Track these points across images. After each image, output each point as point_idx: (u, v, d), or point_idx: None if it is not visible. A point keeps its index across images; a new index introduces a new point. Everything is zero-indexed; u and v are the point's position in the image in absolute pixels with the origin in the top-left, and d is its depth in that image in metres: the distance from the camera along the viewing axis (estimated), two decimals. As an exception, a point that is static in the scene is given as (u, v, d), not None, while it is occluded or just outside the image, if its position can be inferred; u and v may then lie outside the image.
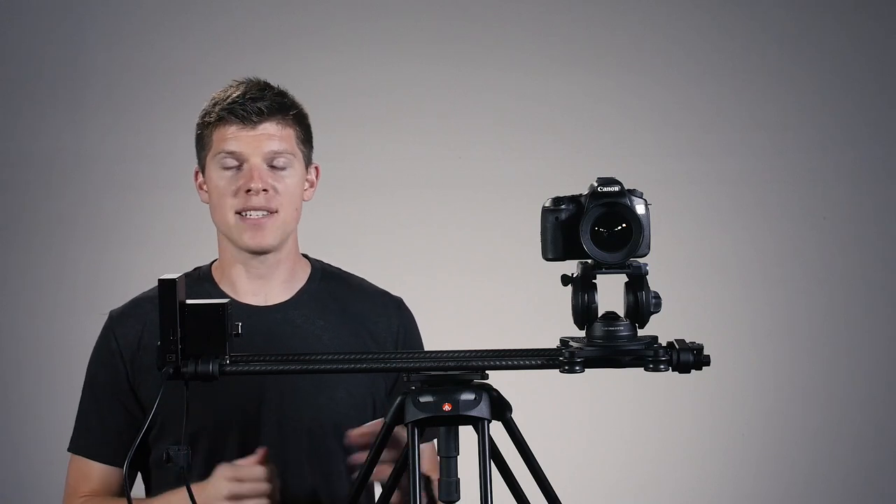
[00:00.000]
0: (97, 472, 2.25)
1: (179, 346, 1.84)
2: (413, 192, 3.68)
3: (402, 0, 3.70)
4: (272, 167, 2.22)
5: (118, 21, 3.64)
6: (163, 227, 3.61)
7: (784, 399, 3.77)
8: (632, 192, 1.81)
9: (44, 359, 3.60)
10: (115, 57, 3.64)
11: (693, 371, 1.83)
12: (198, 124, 2.27)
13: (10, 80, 3.61)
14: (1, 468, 3.61)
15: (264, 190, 2.20)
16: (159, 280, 1.86)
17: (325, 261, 2.39)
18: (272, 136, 2.22)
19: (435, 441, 1.96)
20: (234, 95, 2.23)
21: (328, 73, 3.61)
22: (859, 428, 3.77)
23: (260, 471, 2.08)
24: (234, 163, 2.22)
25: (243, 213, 2.21)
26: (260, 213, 2.21)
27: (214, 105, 2.24)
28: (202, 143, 2.27)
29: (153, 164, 3.62)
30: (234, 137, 2.21)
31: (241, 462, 2.11)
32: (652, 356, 1.81)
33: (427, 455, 2.18)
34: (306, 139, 2.29)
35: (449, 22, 3.71)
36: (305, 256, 2.36)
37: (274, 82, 2.29)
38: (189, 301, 1.87)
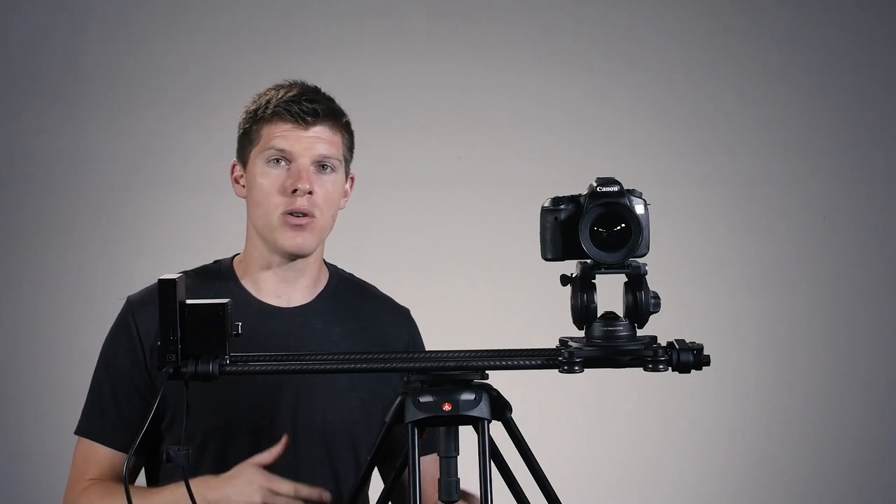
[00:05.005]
0: (105, 456, 2.23)
1: (179, 346, 1.84)
2: (413, 192, 3.68)
3: (402, 0, 3.71)
4: (318, 171, 2.23)
5: (118, 21, 3.64)
6: (163, 227, 3.61)
7: (784, 399, 3.77)
8: (631, 192, 1.81)
9: (42, 359, 3.60)
10: (115, 57, 3.64)
11: (693, 371, 1.83)
12: (245, 118, 2.27)
13: (11, 80, 3.62)
14: None
15: (309, 192, 2.20)
16: (159, 280, 1.86)
17: (337, 265, 2.40)
18: (322, 139, 2.23)
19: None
20: (290, 95, 2.23)
21: (328, 73, 3.56)
22: (860, 428, 3.77)
23: (294, 490, 2.07)
24: (282, 161, 2.22)
25: (287, 215, 2.20)
26: (302, 216, 2.21)
27: (268, 102, 2.24)
28: (249, 137, 2.26)
29: (153, 164, 3.62)
30: (285, 136, 2.21)
31: (264, 458, 2.10)
32: (651, 356, 1.81)
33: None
34: (350, 147, 2.31)
35: (449, 22, 3.71)
36: (323, 261, 2.37)
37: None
38: (189, 301, 1.87)
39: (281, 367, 1.91)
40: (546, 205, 1.84)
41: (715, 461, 3.75)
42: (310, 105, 2.22)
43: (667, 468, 3.75)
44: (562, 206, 1.83)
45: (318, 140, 2.22)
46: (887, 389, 3.78)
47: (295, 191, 2.20)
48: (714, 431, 3.75)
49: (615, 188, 1.80)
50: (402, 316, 2.39)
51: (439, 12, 3.71)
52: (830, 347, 3.77)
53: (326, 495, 2.11)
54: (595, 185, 1.81)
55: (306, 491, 2.09)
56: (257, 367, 1.88)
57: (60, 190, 3.62)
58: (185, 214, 3.57)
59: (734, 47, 3.76)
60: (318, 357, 1.94)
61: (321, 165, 2.23)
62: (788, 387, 3.77)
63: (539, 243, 1.85)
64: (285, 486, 2.07)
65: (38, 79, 3.62)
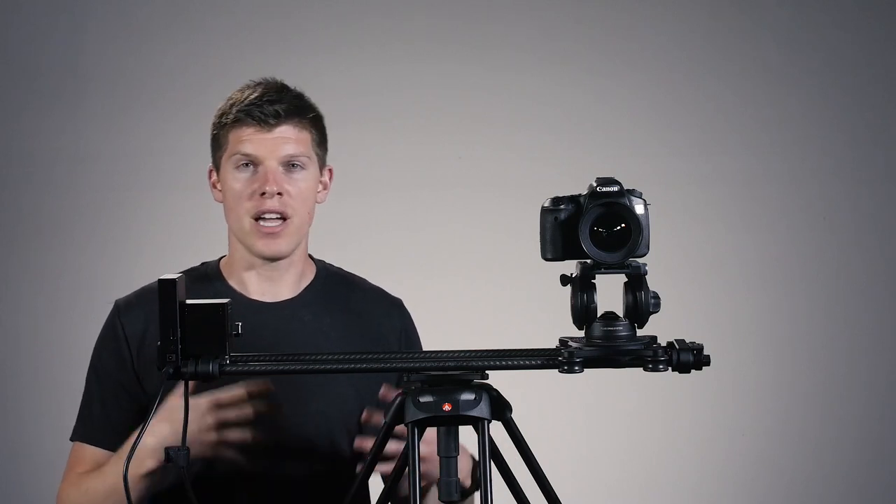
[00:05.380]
0: (93, 455, 2.23)
1: (179, 346, 1.85)
2: (413, 192, 3.68)
3: (402, 0, 3.71)
4: (287, 170, 2.23)
5: (118, 21, 3.64)
6: (163, 227, 3.62)
7: (784, 399, 3.76)
8: (631, 192, 1.81)
9: (42, 359, 3.60)
10: (115, 57, 3.64)
11: (693, 371, 1.83)
12: (214, 124, 2.27)
13: (11, 80, 3.62)
14: None
15: (279, 193, 2.20)
16: (159, 280, 1.86)
17: (325, 260, 2.40)
18: (288, 139, 2.22)
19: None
20: (252, 97, 2.23)
21: (327, 73, 3.60)
22: (860, 427, 3.77)
23: (240, 393, 2.07)
24: (250, 165, 2.22)
25: (258, 219, 2.21)
26: (275, 218, 2.21)
27: (231, 106, 2.24)
28: (218, 143, 2.27)
29: (153, 164, 3.62)
30: (250, 139, 2.21)
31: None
32: (651, 356, 1.81)
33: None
34: (322, 142, 2.30)
35: (449, 22, 3.71)
36: (310, 256, 2.37)
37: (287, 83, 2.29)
38: (189, 301, 1.87)
39: (281, 368, 1.91)
40: (546, 205, 1.84)
41: (715, 461, 3.75)
42: (271, 106, 2.21)
43: (667, 468, 3.75)
44: (562, 206, 1.83)
45: (283, 140, 2.22)
46: (887, 389, 3.78)
47: (263, 194, 2.20)
48: (714, 431, 3.75)
49: (615, 188, 1.80)
50: (394, 307, 2.39)
51: (439, 12, 3.71)
52: (830, 347, 3.77)
53: (269, 384, 2.09)
54: (595, 185, 1.81)
55: (252, 387, 2.07)
56: (257, 368, 1.89)
57: (60, 190, 3.62)
58: (185, 214, 3.56)
59: (734, 47, 3.76)
60: (319, 357, 1.94)
61: (290, 165, 2.23)
62: (788, 387, 3.77)
63: (539, 243, 1.85)
64: (228, 394, 2.06)
65: (38, 79, 3.62)
